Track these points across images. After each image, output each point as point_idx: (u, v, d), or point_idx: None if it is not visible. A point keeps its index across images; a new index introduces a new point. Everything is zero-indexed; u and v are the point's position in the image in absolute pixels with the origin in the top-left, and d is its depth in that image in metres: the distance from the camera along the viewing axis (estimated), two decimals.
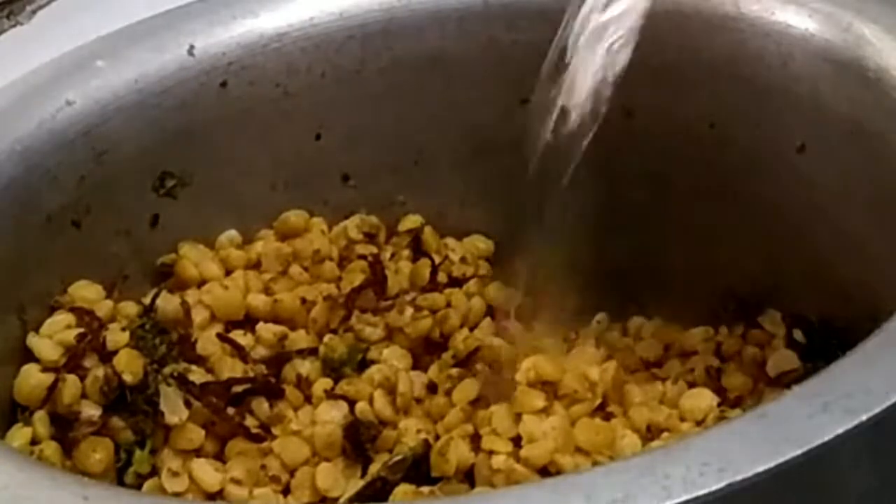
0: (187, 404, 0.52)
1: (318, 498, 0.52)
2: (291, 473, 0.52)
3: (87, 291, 0.55)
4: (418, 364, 0.56)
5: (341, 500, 0.51)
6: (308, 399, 0.55)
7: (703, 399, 0.52)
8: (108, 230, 0.57)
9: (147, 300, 0.56)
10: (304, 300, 0.57)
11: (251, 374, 0.54)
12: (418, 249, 0.60)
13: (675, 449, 0.38)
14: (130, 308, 0.55)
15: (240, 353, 0.55)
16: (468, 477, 0.49)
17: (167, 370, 0.53)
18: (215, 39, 0.58)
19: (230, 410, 0.53)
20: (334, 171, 0.60)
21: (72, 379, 0.52)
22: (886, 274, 0.51)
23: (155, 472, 0.52)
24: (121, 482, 0.52)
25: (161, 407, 0.52)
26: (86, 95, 0.56)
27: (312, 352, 0.56)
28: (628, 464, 0.38)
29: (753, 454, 0.37)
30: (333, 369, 0.55)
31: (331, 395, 0.54)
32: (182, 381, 0.53)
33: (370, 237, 0.60)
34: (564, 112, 0.49)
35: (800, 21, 0.54)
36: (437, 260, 0.59)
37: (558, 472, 0.48)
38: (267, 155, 0.59)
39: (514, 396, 0.51)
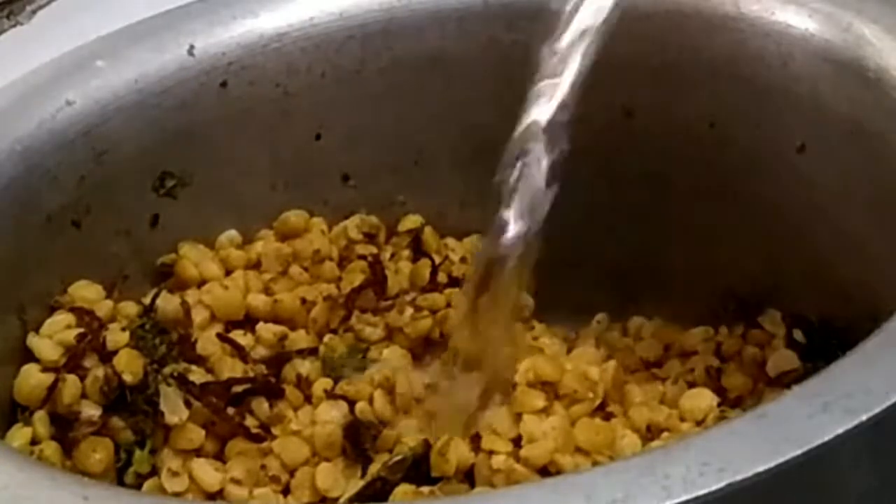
0: (187, 404, 0.52)
1: (318, 498, 0.52)
2: (291, 473, 0.52)
3: (87, 291, 0.55)
4: (418, 364, 0.56)
5: (341, 501, 0.51)
6: (308, 399, 0.55)
7: (703, 399, 0.52)
8: (108, 230, 0.57)
9: (147, 300, 0.56)
10: (304, 300, 0.57)
11: (251, 374, 0.54)
12: (418, 249, 0.60)
13: (675, 449, 0.38)
14: (130, 308, 0.55)
15: (240, 353, 0.55)
16: (468, 477, 0.49)
17: (167, 370, 0.53)
18: (215, 39, 0.58)
19: (230, 410, 0.53)
20: (334, 171, 0.60)
21: (72, 379, 0.52)
22: (886, 274, 0.51)
23: (155, 472, 0.52)
24: (121, 482, 0.52)
25: (161, 407, 0.52)
26: (86, 95, 0.56)
27: (312, 352, 0.56)
28: (628, 464, 0.38)
29: (753, 454, 0.37)
30: (333, 369, 0.55)
31: (331, 395, 0.54)
32: (182, 381, 0.53)
33: (370, 237, 0.60)
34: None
35: (800, 21, 0.54)
36: (437, 260, 0.59)
37: (558, 472, 0.48)
38: (267, 155, 0.59)
39: (514, 396, 0.51)
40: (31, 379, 0.52)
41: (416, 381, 0.54)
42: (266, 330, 0.56)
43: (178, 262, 0.58)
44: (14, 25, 0.79)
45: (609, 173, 0.59)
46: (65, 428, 0.52)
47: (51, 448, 0.51)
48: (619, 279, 0.60)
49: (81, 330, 0.53)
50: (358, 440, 0.53)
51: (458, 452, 0.49)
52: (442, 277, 0.59)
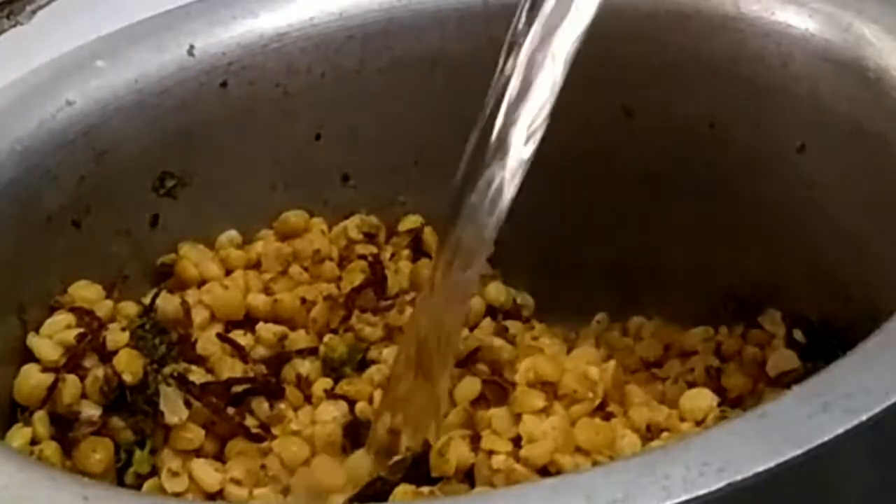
0: (187, 404, 0.52)
1: (318, 497, 0.52)
2: (291, 473, 0.52)
3: (87, 291, 0.55)
4: None
5: (341, 501, 0.51)
6: (308, 399, 0.55)
7: (703, 399, 0.52)
8: (108, 230, 0.57)
9: (147, 300, 0.56)
10: (304, 300, 0.57)
11: (251, 374, 0.54)
12: (418, 249, 0.60)
13: (675, 449, 0.38)
14: (130, 308, 0.55)
15: (240, 353, 0.55)
16: (468, 477, 0.49)
17: (167, 370, 0.53)
18: (215, 39, 0.58)
19: (230, 410, 0.53)
20: (334, 171, 0.60)
21: (72, 379, 0.52)
22: (886, 274, 0.51)
23: (155, 472, 0.52)
24: (121, 482, 0.52)
25: (161, 407, 0.52)
26: (86, 95, 0.56)
27: (312, 352, 0.56)
28: (628, 464, 0.38)
29: (753, 454, 0.37)
30: (333, 369, 0.55)
31: (331, 394, 0.54)
32: (182, 381, 0.53)
33: (370, 237, 0.60)
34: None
35: (800, 21, 0.54)
36: (435, 258, 0.59)
37: (558, 472, 0.48)
38: (267, 155, 0.59)
39: (514, 396, 0.51)
40: (31, 379, 0.52)
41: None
42: (266, 330, 0.56)
43: (178, 262, 0.58)
44: (14, 25, 0.79)
45: (609, 173, 0.59)
46: (65, 428, 0.52)
47: (51, 448, 0.51)
48: (619, 279, 0.60)
49: (81, 330, 0.53)
50: (358, 440, 0.53)
51: (458, 452, 0.49)
52: None
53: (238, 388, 0.54)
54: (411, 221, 0.60)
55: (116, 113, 0.56)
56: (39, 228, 0.54)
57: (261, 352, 0.56)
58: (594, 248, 0.60)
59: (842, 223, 0.54)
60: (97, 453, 0.52)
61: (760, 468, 0.37)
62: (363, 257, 0.58)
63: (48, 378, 0.52)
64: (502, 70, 0.49)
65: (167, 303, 0.55)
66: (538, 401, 0.50)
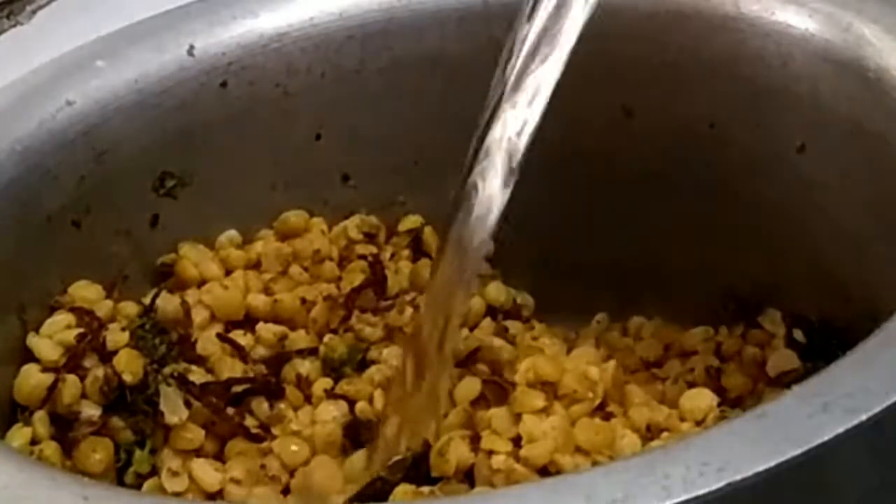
0: (187, 404, 0.52)
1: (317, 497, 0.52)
2: (291, 473, 0.52)
3: (87, 291, 0.55)
4: None
5: (341, 501, 0.51)
6: (308, 399, 0.55)
7: (703, 399, 0.52)
8: (108, 230, 0.57)
9: (147, 300, 0.56)
10: (304, 300, 0.57)
11: (251, 374, 0.54)
12: (418, 249, 0.60)
13: (674, 449, 0.38)
14: (130, 308, 0.55)
15: (240, 353, 0.55)
16: (468, 477, 0.49)
17: (167, 370, 0.53)
18: (215, 39, 0.58)
19: (230, 410, 0.53)
20: (334, 171, 0.60)
21: (72, 379, 0.52)
22: (886, 274, 0.51)
23: (155, 472, 0.52)
24: (121, 482, 0.52)
25: (161, 407, 0.52)
26: (86, 95, 0.56)
27: (312, 352, 0.56)
28: (628, 464, 0.38)
29: (753, 454, 0.37)
30: (333, 369, 0.55)
31: (331, 394, 0.54)
32: (182, 381, 0.53)
33: (370, 237, 0.60)
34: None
35: (800, 21, 0.54)
36: (435, 259, 0.59)
37: (558, 472, 0.48)
38: (267, 155, 0.59)
39: (514, 396, 0.51)
40: (31, 379, 0.52)
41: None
42: (266, 330, 0.56)
43: (178, 262, 0.58)
44: (14, 25, 0.79)
45: (609, 173, 0.59)
46: (65, 428, 0.52)
47: (51, 448, 0.51)
48: (619, 279, 0.60)
49: (81, 330, 0.53)
50: (358, 440, 0.53)
51: (458, 452, 0.49)
52: None
53: (238, 388, 0.54)
54: (411, 221, 0.60)
55: (116, 113, 0.56)
56: (39, 228, 0.54)
57: (261, 352, 0.56)
58: (594, 248, 0.60)
59: (842, 223, 0.54)
60: (97, 453, 0.52)
61: (760, 468, 0.37)
62: (363, 257, 0.58)
63: (48, 378, 0.52)
64: (502, 70, 0.49)
65: (167, 303, 0.55)
66: (538, 401, 0.50)
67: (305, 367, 0.55)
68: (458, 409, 0.52)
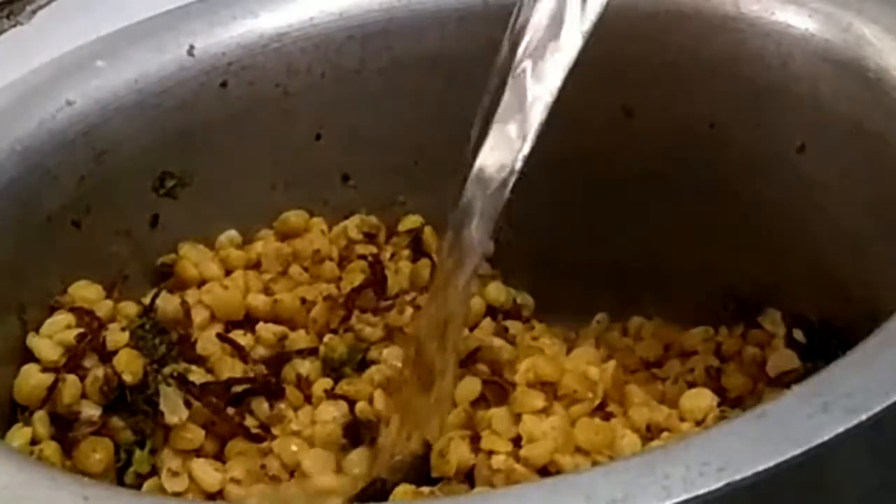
0: (187, 404, 0.52)
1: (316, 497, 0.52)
2: (291, 473, 0.52)
3: (87, 291, 0.55)
4: None
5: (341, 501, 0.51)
6: (308, 399, 0.55)
7: (703, 399, 0.52)
8: (108, 230, 0.57)
9: (147, 300, 0.56)
10: (304, 300, 0.57)
11: (251, 374, 0.54)
12: (418, 249, 0.60)
13: (674, 449, 0.38)
14: (130, 308, 0.55)
15: (240, 353, 0.55)
16: (468, 478, 0.49)
17: (167, 370, 0.53)
18: (215, 39, 0.58)
19: (230, 410, 0.53)
20: (334, 171, 0.60)
21: (72, 379, 0.52)
22: (886, 274, 0.51)
23: (155, 472, 0.52)
24: (121, 482, 0.52)
25: (161, 407, 0.52)
26: (86, 95, 0.56)
27: (312, 352, 0.56)
28: (628, 464, 0.38)
29: (753, 454, 0.37)
30: (333, 369, 0.55)
31: (331, 394, 0.54)
32: (182, 381, 0.53)
33: (370, 237, 0.60)
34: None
35: (800, 21, 0.54)
36: (437, 260, 0.59)
37: (558, 472, 0.48)
38: (267, 155, 0.59)
39: (514, 396, 0.51)
40: (31, 379, 0.52)
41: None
42: (266, 330, 0.56)
43: (178, 262, 0.58)
44: (14, 25, 0.79)
45: (609, 173, 0.59)
46: (65, 428, 0.52)
47: (51, 448, 0.51)
48: (619, 279, 0.60)
49: (81, 330, 0.53)
50: (358, 440, 0.53)
51: (459, 453, 0.49)
52: None
53: (238, 388, 0.54)
54: (411, 221, 0.60)
55: (116, 113, 0.56)
56: (39, 228, 0.54)
57: (261, 352, 0.56)
58: (594, 248, 0.60)
59: (842, 223, 0.54)
60: (97, 453, 0.52)
61: (760, 468, 0.37)
62: (363, 257, 0.58)
63: (48, 378, 0.52)
64: (505, 67, 0.49)
65: (167, 303, 0.55)
66: (538, 401, 0.50)
67: (305, 367, 0.55)
68: (458, 410, 0.52)
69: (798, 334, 0.55)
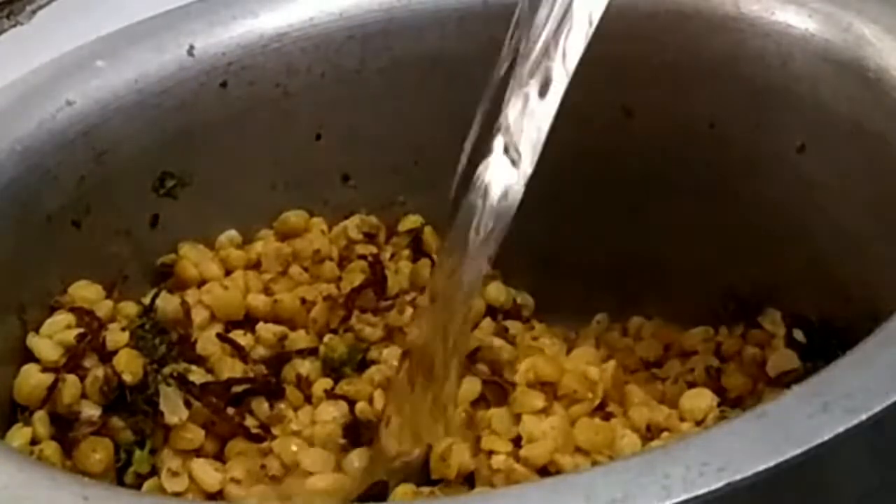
0: (187, 404, 0.52)
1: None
2: (291, 473, 0.52)
3: (87, 291, 0.55)
4: None
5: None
6: (308, 399, 0.55)
7: (703, 399, 0.52)
8: (108, 230, 0.57)
9: (147, 300, 0.56)
10: (304, 300, 0.57)
11: (251, 374, 0.54)
12: (418, 249, 0.60)
13: (674, 449, 0.38)
14: (130, 308, 0.55)
15: (240, 353, 0.55)
16: (468, 480, 0.49)
17: (167, 370, 0.53)
18: (215, 39, 0.58)
19: (230, 410, 0.53)
20: (334, 171, 0.60)
21: (72, 379, 0.52)
22: (886, 274, 0.51)
23: (155, 472, 0.52)
24: (121, 482, 0.52)
25: (161, 407, 0.52)
26: (86, 95, 0.56)
27: (312, 352, 0.56)
28: (628, 464, 0.38)
29: (753, 454, 0.37)
30: (333, 369, 0.55)
31: (331, 395, 0.54)
32: (182, 382, 0.53)
33: (370, 237, 0.60)
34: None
35: (800, 21, 0.54)
36: (438, 262, 0.59)
37: (558, 472, 0.48)
38: (267, 155, 0.59)
39: (514, 397, 0.51)
40: (31, 379, 0.52)
41: None
42: (266, 330, 0.56)
43: (178, 262, 0.58)
44: (14, 25, 0.79)
45: (609, 173, 0.59)
46: (65, 428, 0.52)
47: (51, 448, 0.51)
48: (619, 279, 0.60)
49: (81, 330, 0.53)
50: (358, 440, 0.53)
51: (461, 457, 0.49)
52: None
53: (238, 388, 0.54)
54: (411, 221, 0.60)
55: (116, 113, 0.56)
56: (39, 228, 0.54)
57: (261, 352, 0.56)
58: (594, 248, 0.60)
59: (842, 223, 0.54)
60: (97, 453, 0.51)
61: (760, 468, 0.37)
62: (363, 257, 0.58)
63: (48, 378, 0.52)
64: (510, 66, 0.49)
65: (167, 303, 0.55)
66: (538, 401, 0.50)
67: (305, 367, 0.55)
68: (458, 410, 0.52)
69: (798, 334, 0.55)
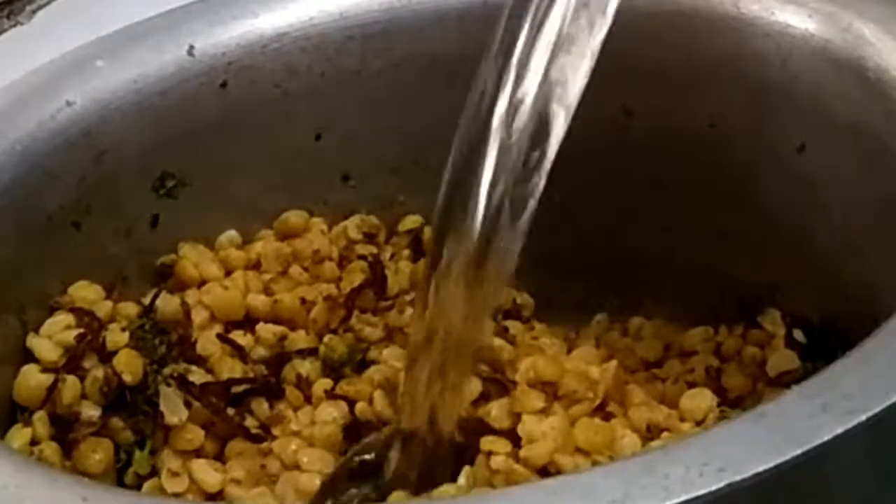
0: (187, 405, 0.52)
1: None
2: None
3: (86, 292, 0.55)
4: None
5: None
6: (308, 399, 0.55)
7: (703, 399, 0.52)
8: (108, 230, 0.57)
9: (147, 300, 0.56)
10: (304, 300, 0.57)
11: (251, 375, 0.54)
12: (418, 249, 0.60)
13: (674, 449, 0.38)
14: (130, 308, 0.55)
15: (240, 353, 0.55)
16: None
17: (167, 370, 0.53)
18: (215, 39, 0.58)
19: (230, 411, 0.53)
20: (334, 171, 0.60)
21: (71, 379, 0.52)
22: (886, 274, 0.51)
23: (155, 472, 0.52)
24: (121, 482, 0.52)
25: (161, 407, 0.52)
26: (86, 95, 0.56)
27: (312, 352, 0.56)
28: (628, 464, 0.38)
29: (753, 454, 0.37)
30: (333, 369, 0.55)
31: (331, 395, 0.54)
32: (182, 382, 0.53)
33: (370, 237, 0.60)
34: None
35: (799, 21, 0.54)
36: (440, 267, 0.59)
37: (558, 473, 0.48)
38: (267, 155, 0.59)
39: (514, 396, 0.51)
40: (31, 379, 0.52)
41: None
42: (266, 330, 0.56)
43: (177, 263, 0.58)
44: (14, 25, 0.79)
45: (609, 173, 0.59)
46: (65, 428, 0.52)
47: (50, 448, 0.51)
48: (619, 279, 0.60)
49: (81, 330, 0.53)
50: (358, 441, 0.53)
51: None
52: None
53: (238, 389, 0.54)
54: (411, 221, 0.60)
55: (116, 113, 0.56)
56: (39, 228, 0.54)
57: (261, 352, 0.56)
58: (594, 248, 0.60)
59: (842, 223, 0.54)
60: (97, 453, 0.52)
61: (760, 468, 0.37)
62: (363, 257, 0.58)
63: (48, 378, 0.52)
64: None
65: (167, 303, 0.55)
66: (538, 401, 0.50)
67: (305, 367, 0.55)
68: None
69: (798, 334, 0.55)
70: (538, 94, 0.48)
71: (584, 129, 0.57)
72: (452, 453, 0.50)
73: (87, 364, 0.52)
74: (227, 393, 0.53)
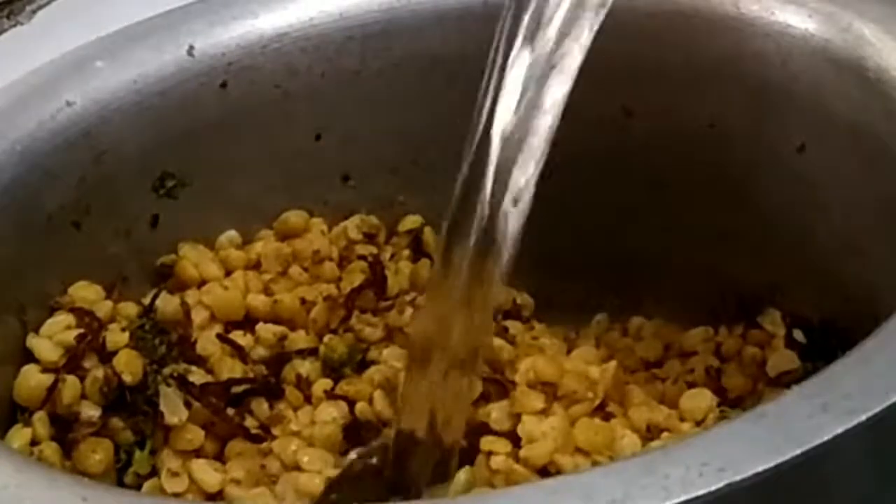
0: (187, 405, 0.52)
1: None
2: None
3: (86, 292, 0.55)
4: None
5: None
6: (308, 399, 0.55)
7: (703, 399, 0.52)
8: (108, 230, 0.57)
9: (147, 301, 0.56)
10: (303, 300, 0.57)
11: (251, 375, 0.54)
12: (418, 249, 0.60)
13: (674, 449, 0.38)
14: (130, 308, 0.55)
15: (240, 353, 0.55)
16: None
17: (167, 371, 0.53)
18: (215, 40, 0.58)
19: (230, 411, 0.53)
20: (334, 171, 0.60)
21: (71, 379, 0.52)
22: (886, 274, 0.51)
23: (155, 472, 0.52)
24: (121, 483, 0.52)
25: (161, 407, 0.52)
26: (86, 95, 0.56)
27: (312, 352, 0.56)
28: (628, 464, 0.38)
29: (753, 454, 0.37)
30: (333, 369, 0.55)
31: (331, 395, 0.54)
32: (182, 382, 0.53)
33: (370, 237, 0.60)
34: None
35: (799, 21, 0.54)
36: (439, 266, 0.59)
37: (558, 473, 0.48)
38: (267, 155, 0.59)
39: (514, 396, 0.51)
40: (31, 379, 0.52)
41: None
42: (266, 330, 0.56)
43: (177, 263, 0.58)
44: (14, 25, 0.79)
45: (609, 173, 0.59)
46: (65, 428, 0.52)
47: (50, 448, 0.51)
48: (619, 279, 0.60)
49: (81, 330, 0.53)
50: (358, 440, 0.53)
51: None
52: None
53: (238, 389, 0.54)
54: (411, 221, 0.60)
55: (116, 113, 0.56)
56: (39, 228, 0.54)
57: (261, 352, 0.56)
58: (594, 248, 0.60)
59: (842, 223, 0.54)
60: (97, 454, 0.52)
61: (760, 468, 0.37)
62: (363, 257, 0.58)
63: (48, 378, 0.52)
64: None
65: (167, 303, 0.55)
66: (538, 401, 0.50)
67: (305, 367, 0.55)
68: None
69: (798, 334, 0.55)
70: (532, 89, 0.48)
71: (584, 129, 0.57)
72: (452, 453, 0.50)
73: (87, 364, 0.53)
74: (227, 393, 0.53)
